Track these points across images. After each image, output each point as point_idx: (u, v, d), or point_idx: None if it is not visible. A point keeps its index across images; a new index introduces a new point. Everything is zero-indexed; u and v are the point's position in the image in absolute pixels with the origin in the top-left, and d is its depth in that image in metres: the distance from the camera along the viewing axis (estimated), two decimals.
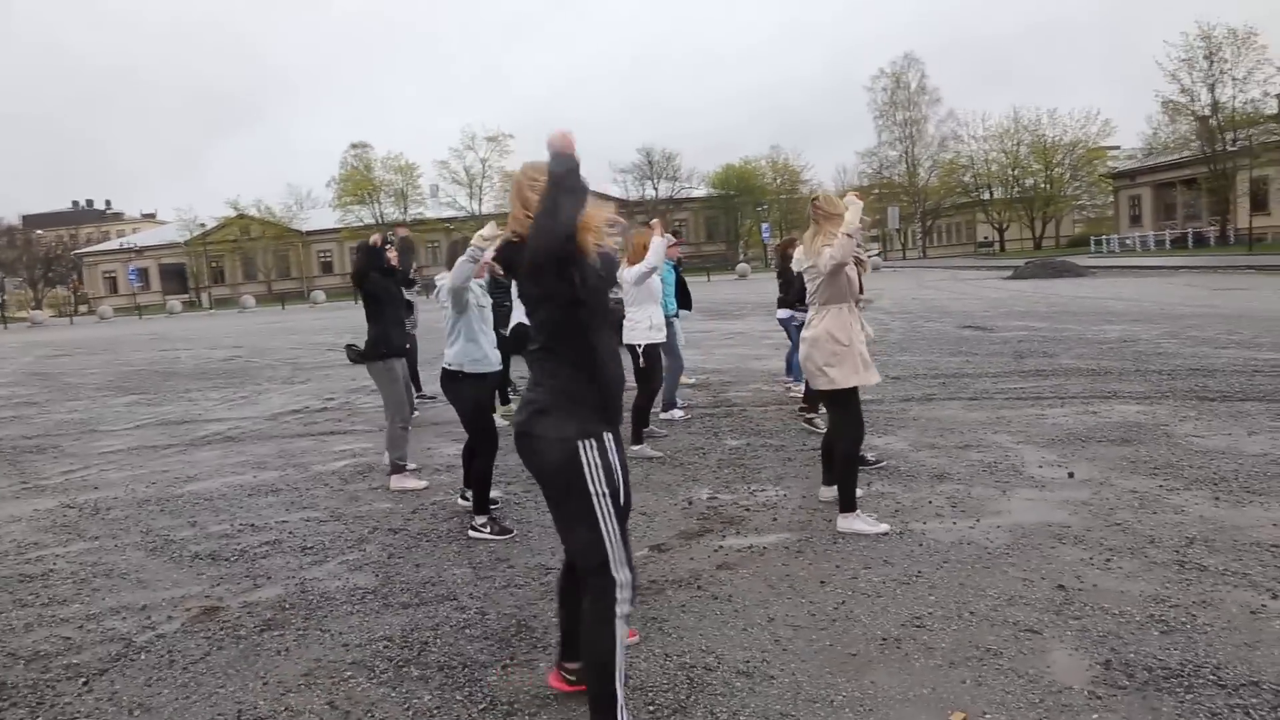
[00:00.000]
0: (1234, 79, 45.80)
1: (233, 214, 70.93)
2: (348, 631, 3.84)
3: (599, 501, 2.54)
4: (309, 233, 72.83)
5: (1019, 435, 6.85)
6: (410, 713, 3.08)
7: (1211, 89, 46.68)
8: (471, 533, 5.12)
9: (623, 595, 2.54)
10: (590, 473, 2.53)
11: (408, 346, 7.61)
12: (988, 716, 2.80)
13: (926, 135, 74.14)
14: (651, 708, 3.00)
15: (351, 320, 32.52)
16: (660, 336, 7.27)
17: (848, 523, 4.69)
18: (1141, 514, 4.74)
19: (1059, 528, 4.59)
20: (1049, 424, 7.20)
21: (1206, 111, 47.27)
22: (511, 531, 5.12)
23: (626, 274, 6.90)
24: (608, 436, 2.62)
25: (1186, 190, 51.13)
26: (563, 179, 2.37)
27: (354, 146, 72.76)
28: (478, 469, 5.25)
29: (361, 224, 69.54)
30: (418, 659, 3.51)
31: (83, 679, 3.54)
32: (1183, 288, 22.57)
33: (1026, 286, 26.48)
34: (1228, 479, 5.29)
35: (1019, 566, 4.08)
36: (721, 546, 4.64)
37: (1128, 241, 51.89)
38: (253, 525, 5.66)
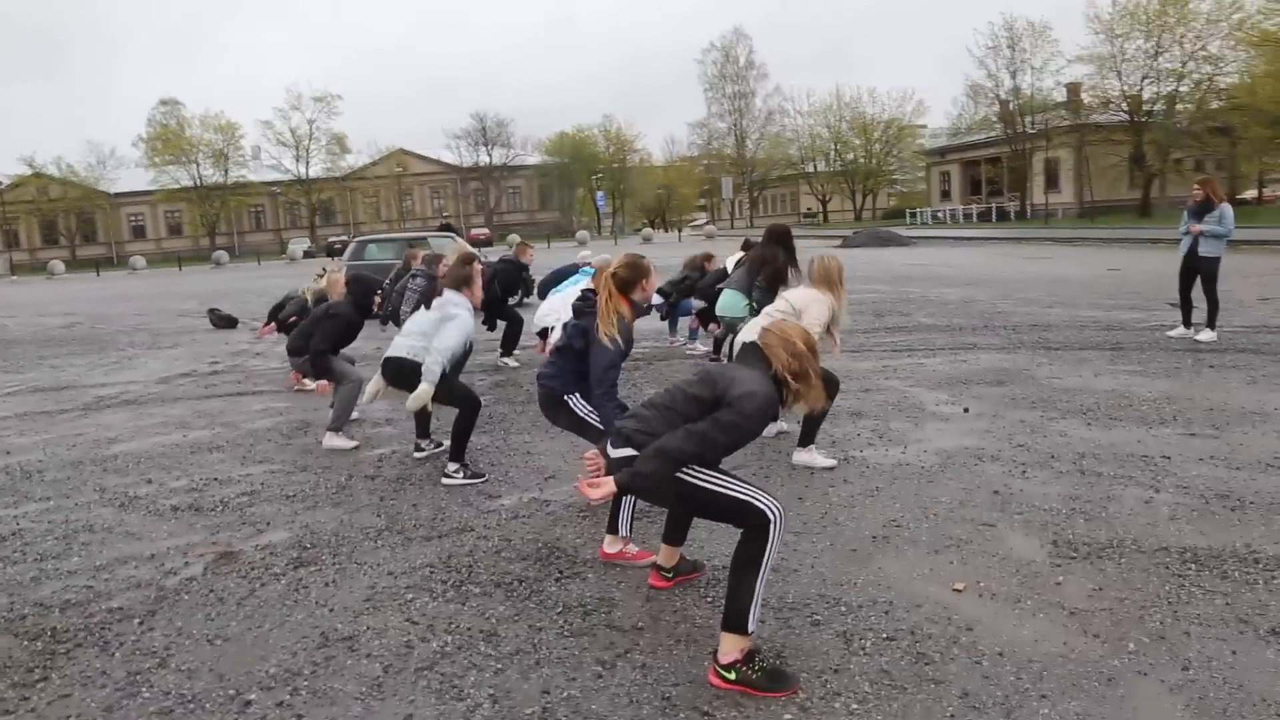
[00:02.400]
0: (1032, 68, 50.36)
1: (28, 172, 64.26)
2: (384, 562, 4.11)
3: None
4: (118, 195, 67.14)
5: (908, 380, 7.77)
6: (491, 620, 3.44)
7: (1013, 75, 51.11)
8: (445, 480, 5.37)
9: (774, 515, 2.89)
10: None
11: None
12: (983, 584, 3.50)
13: (754, 109, 77.00)
14: (708, 599, 3.51)
15: (193, 287, 30.71)
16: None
17: (805, 456, 5.32)
18: (1035, 437, 5.66)
19: (975, 450, 5.43)
20: (930, 371, 8.17)
21: (1007, 96, 51.69)
22: (484, 476, 5.44)
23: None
24: None
25: (991, 168, 55.78)
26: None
27: (163, 103, 67.62)
28: (459, 424, 5.47)
29: (178, 185, 64.85)
30: (470, 579, 3.85)
31: (136, 619, 3.65)
32: (997, 257, 24.94)
33: (860, 254, 28.40)
34: (1092, 409, 6.33)
35: (956, 480, 4.86)
36: None
37: (939, 214, 56.05)
38: (216, 479, 5.70)
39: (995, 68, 51.98)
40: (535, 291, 13.22)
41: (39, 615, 3.74)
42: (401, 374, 5.48)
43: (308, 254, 54.50)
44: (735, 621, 2.84)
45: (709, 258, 10.16)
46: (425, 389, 5.27)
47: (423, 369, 5.30)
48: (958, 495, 4.60)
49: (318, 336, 6.42)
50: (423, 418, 5.97)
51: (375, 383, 5.70)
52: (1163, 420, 5.92)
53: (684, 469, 2.87)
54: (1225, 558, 3.64)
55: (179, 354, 12.35)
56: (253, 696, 2.97)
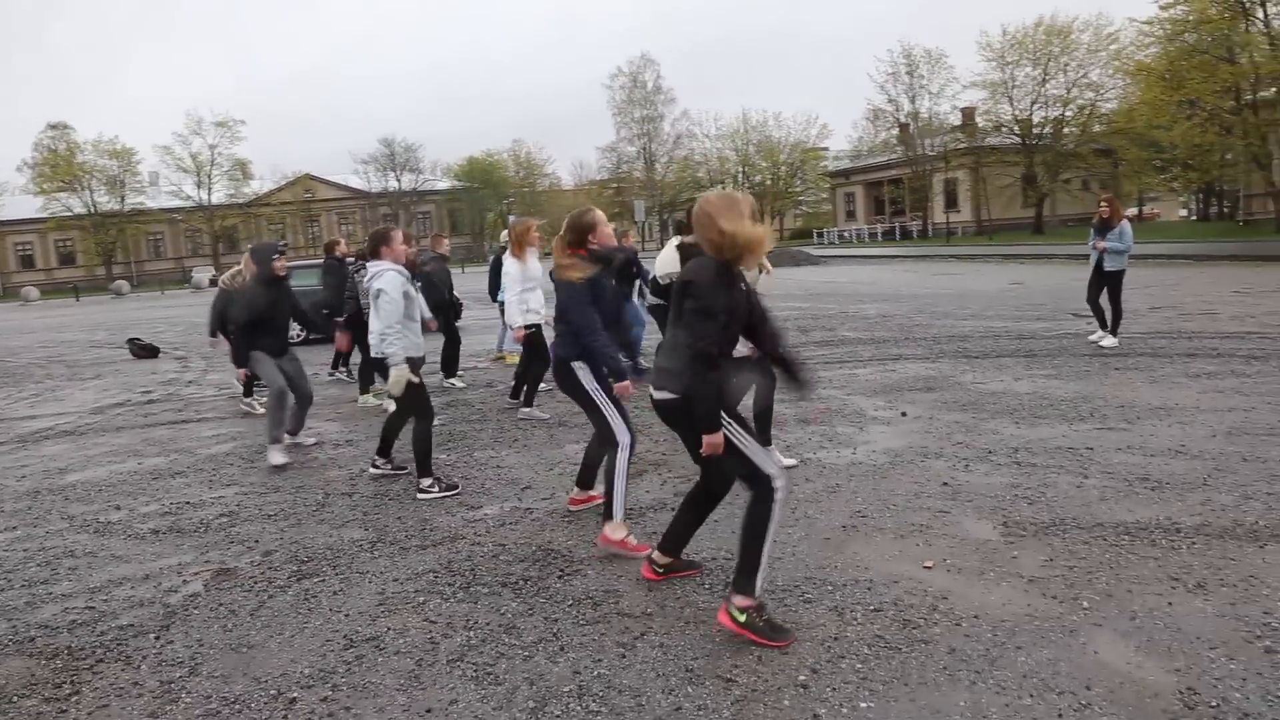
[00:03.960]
0: (930, 93, 52.85)
1: None
2: (387, 570, 4.29)
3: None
4: (3, 223, 63.92)
5: (845, 389, 8.26)
6: (506, 616, 3.68)
7: (912, 100, 53.53)
8: (420, 495, 5.51)
9: (779, 485, 3.29)
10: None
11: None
12: (949, 561, 3.90)
13: (663, 132, 78.21)
14: (707, 589, 3.81)
15: (98, 317, 29.59)
16: (537, 318, 7.87)
17: None
18: (971, 435, 6.16)
19: (919, 449, 5.89)
20: (863, 380, 8.69)
21: (907, 119, 54.07)
22: (458, 487, 5.63)
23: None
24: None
25: (893, 189, 58.12)
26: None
27: (52, 127, 64.83)
28: (418, 436, 5.60)
29: (70, 213, 62.17)
30: (476, 581, 4.07)
31: (152, 634, 3.75)
32: (905, 274, 26.10)
33: (775, 273, 29.27)
34: (1017, 410, 6.89)
35: (908, 475, 5.29)
36: (667, 480, 5.50)
37: (845, 234, 58.07)
38: (188, 503, 5.73)
39: (895, 92, 54.43)
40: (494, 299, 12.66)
41: (47, 636, 3.80)
42: (382, 370, 5.66)
43: (213, 282, 52.92)
44: (744, 583, 3.23)
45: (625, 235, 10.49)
46: (395, 373, 5.39)
47: (385, 358, 5.46)
48: (911, 488, 5.03)
49: (232, 316, 6.57)
50: (387, 435, 6.08)
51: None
52: (1081, 417, 6.51)
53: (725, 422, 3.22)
54: (1152, 529, 4.14)
55: (105, 384, 12.05)
56: (295, 694, 3.14)
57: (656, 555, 3.87)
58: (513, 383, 8.50)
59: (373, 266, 5.68)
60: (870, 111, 57.58)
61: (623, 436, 4.35)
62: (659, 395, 3.42)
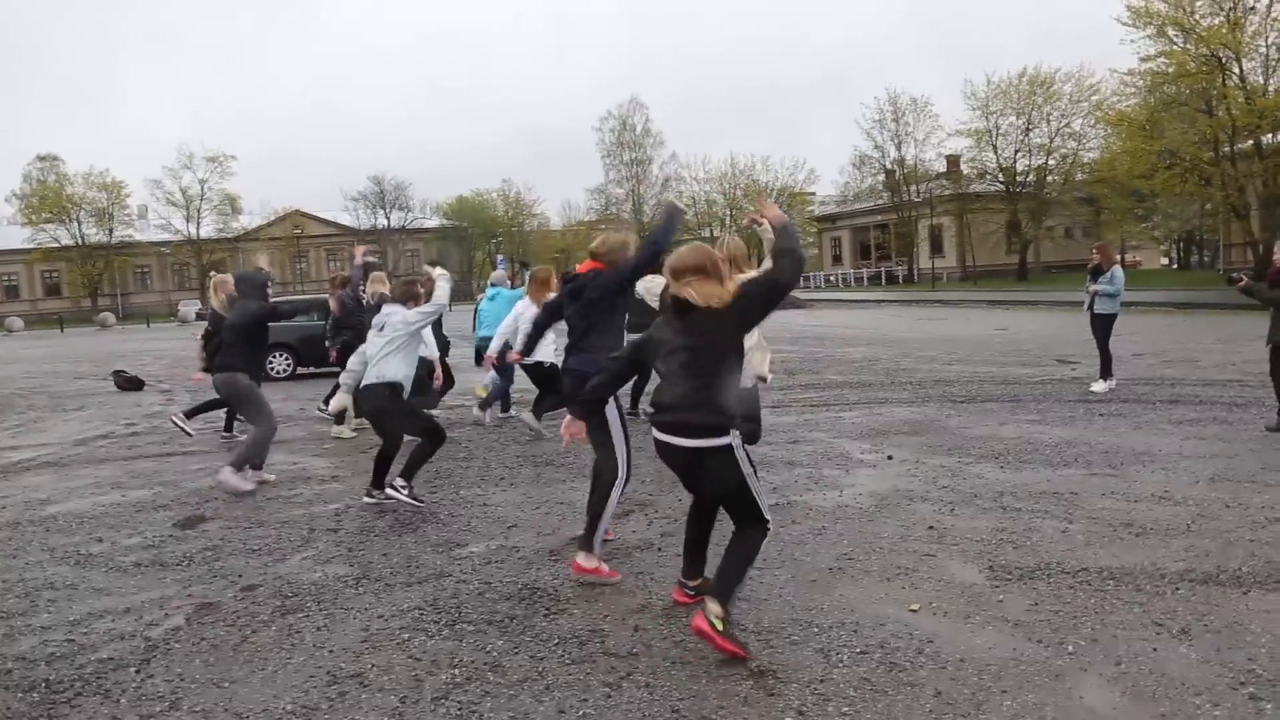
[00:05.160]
0: (915, 140, 53.73)
1: None
2: (372, 607, 4.26)
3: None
4: None
5: (831, 431, 8.30)
6: (491, 654, 3.65)
7: (898, 146, 54.40)
8: (390, 490, 5.93)
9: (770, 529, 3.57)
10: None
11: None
12: (934, 604, 3.91)
13: (651, 175, 78.95)
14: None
15: (82, 349, 29.43)
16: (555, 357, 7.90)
17: None
18: (956, 479, 6.20)
19: (905, 492, 5.92)
20: (849, 423, 8.73)
21: (892, 166, 54.90)
22: (423, 502, 5.97)
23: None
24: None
25: (879, 234, 58.81)
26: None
27: (40, 159, 65.03)
28: (423, 452, 6.03)
29: (58, 245, 62.09)
30: (461, 618, 4.05)
31: (132, 668, 3.70)
32: (891, 318, 26.34)
33: None
34: (1002, 454, 6.94)
35: (894, 518, 5.31)
36: (653, 520, 5.50)
37: (831, 278, 58.58)
38: (172, 537, 5.68)
39: (881, 139, 55.25)
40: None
41: (25, 668, 3.74)
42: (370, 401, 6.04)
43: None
44: (722, 594, 3.44)
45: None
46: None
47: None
48: (897, 531, 5.04)
49: (229, 341, 6.90)
50: (381, 465, 6.14)
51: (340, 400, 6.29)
52: (1065, 462, 6.56)
53: (742, 461, 3.45)
54: (1136, 575, 4.16)
55: (89, 416, 11.97)
56: None
57: (686, 580, 3.98)
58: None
59: (388, 309, 6.15)
60: (856, 157, 58.45)
61: (624, 473, 4.44)
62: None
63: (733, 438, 3.45)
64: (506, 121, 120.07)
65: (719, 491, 3.63)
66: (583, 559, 4.38)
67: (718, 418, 3.44)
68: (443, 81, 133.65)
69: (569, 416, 4.03)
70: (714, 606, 3.39)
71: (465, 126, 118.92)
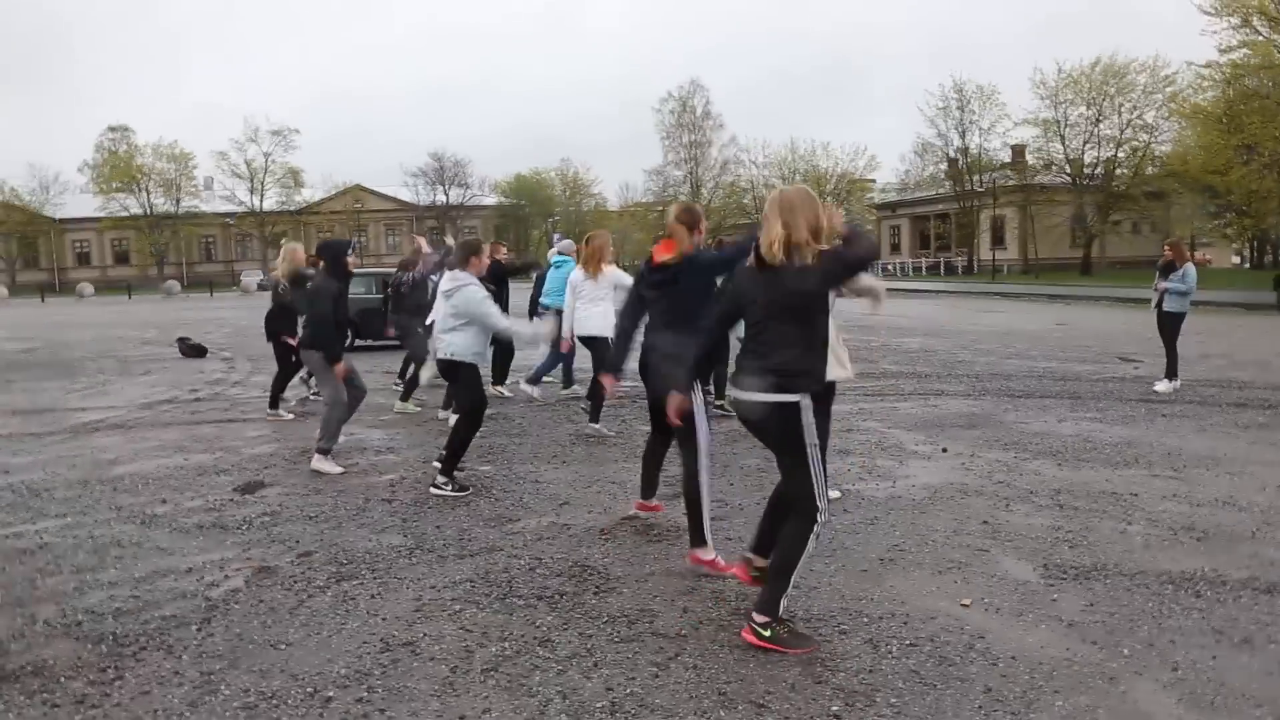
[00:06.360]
0: (980, 128, 52.54)
1: None
2: (424, 577, 4.34)
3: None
4: (63, 220, 65.86)
5: (886, 422, 8.20)
6: (541, 629, 3.70)
7: (962, 135, 53.24)
8: (434, 490, 5.85)
9: (821, 519, 3.40)
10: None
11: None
12: (986, 600, 3.86)
13: (710, 158, 78.34)
14: (741, 614, 3.81)
15: (148, 316, 30.32)
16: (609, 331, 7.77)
17: None
18: (1013, 475, 6.09)
19: (959, 485, 5.84)
20: (903, 414, 8.63)
21: (956, 155, 53.77)
22: (469, 489, 5.87)
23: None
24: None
25: (940, 224, 57.73)
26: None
27: (112, 130, 66.67)
28: (460, 439, 5.93)
29: (128, 214, 63.90)
30: (512, 593, 4.10)
31: (193, 625, 3.83)
32: (948, 309, 25.91)
33: None
34: (1060, 452, 6.80)
35: (947, 511, 5.25)
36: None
37: (889, 267, 57.71)
38: (231, 501, 5.84)
39: (945, 127, 54.13)
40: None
41: (93, 621, 3.90)
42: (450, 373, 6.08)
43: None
44: (768, 605, 3.37)
45: None
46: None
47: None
48: (950, 524, 4.98)
49: (316, 315, 6.80)
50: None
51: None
52: (1126, 462, 6.40)
53: (807, 426, 3.35)
54: (1197, 580, 4.06)
55: (154, 380, 12.34)
56: (331, 694, 3.18)
57: (753, 557, 3.86)
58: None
59: (451, 278, 6.08)
60: (919, 144, 57.33)
61: (705, 457, 4.33)
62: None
63: (801, 398, 3.35)
64: (562, 106, 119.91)
65: (779, 448, 3.53)
66: (701, 553, 4.29)
67: (790, 377, 3.36)
68: (507, 70, 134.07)
69: (677, 395, 3.86)
70: (757, 615, 3.42)
71: (522, 111, 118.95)
